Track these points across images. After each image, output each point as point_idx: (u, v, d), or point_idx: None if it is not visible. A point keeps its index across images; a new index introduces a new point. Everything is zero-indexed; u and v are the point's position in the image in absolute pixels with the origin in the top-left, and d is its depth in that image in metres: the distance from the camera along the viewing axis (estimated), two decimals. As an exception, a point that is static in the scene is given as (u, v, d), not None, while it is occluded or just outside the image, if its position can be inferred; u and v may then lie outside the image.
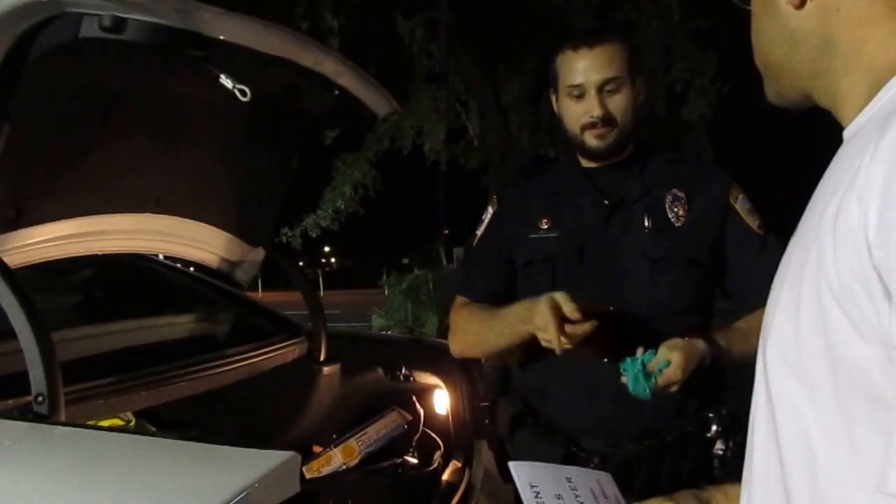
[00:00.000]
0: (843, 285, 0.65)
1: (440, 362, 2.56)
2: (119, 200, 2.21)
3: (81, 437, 1.54)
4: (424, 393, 2.55)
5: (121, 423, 2.06)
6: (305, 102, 2.23)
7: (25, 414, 1.56)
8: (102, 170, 2.11)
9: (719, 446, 1.77)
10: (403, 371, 2.65)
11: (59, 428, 1.52)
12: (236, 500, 1.22)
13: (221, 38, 1.71)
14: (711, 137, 10.20)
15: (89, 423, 1.81)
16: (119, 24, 1.55)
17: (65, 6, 1.56)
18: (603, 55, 1.79)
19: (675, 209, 1.84)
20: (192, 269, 2.98)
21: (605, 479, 1.46)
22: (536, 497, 1.36)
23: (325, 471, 2.06)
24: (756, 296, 1.76)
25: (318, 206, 11.50)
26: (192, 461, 1.43)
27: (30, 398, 1.54)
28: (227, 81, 1.79)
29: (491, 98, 9.65)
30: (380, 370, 2.68)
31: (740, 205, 1.84)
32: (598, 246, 1.84)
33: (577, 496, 1.37)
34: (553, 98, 1.93)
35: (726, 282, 1.88)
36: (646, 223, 1.82)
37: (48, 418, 1.52)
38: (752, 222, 1.84)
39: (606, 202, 1.86)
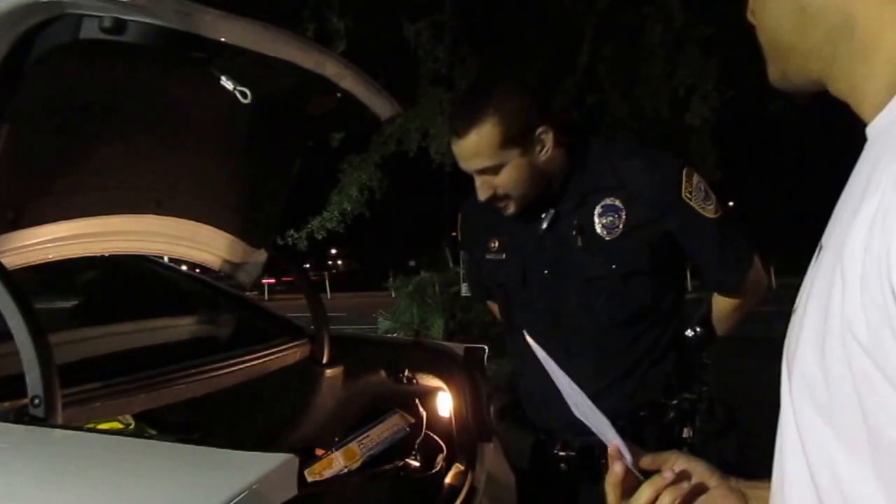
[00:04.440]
0: (872, 328, 0.56)
1: (443, 365, 2.55)
2: (119, 202, 2.21)
3: (78, 440, 1.54)
4: (427, 395, 2.54)
5: (120, 426, 2.05)
6: (307, 104, 2.22)
7: (22, 417, 1.55)
8: (103, 171, 2.11)
9: (686, 433, 1.79)
10: (406, 373, 2.64)
11: (57, 431, 1.52)
12: (233, 502, 1.21)
13: (222, 39, 1.70)
14: (715, 141, 10.24)
15: (87, 426, 1.81)
16: (119, 26, 1.55)
17: (65, 7, 1.55)
18: (469, 146, 1.75)
19: (607, 220, 1.80)
20: (197, 270, 2.98)
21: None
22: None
23: (327, 474, 2.06)
24: (715, 278, 1.91)
25: (325, 208, 11.51)
26: (188, 464, 1.42)
27: (26, 401, 1.54)
28: (228, 83, 1.79)
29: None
30: (382, 373, 2.68)
31: (694, 198, 1.80)
32: (538, 267, 1.89)
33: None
34: None
35: (698, 268, 1.92)
36: (578, 242, 1.82)
37: (45, 421, 1.51)
38: (707, 210, 1.82)
39: (543, 216, 1.86)
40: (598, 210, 1.81)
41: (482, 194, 1.80)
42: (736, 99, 9.50)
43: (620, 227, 1.79)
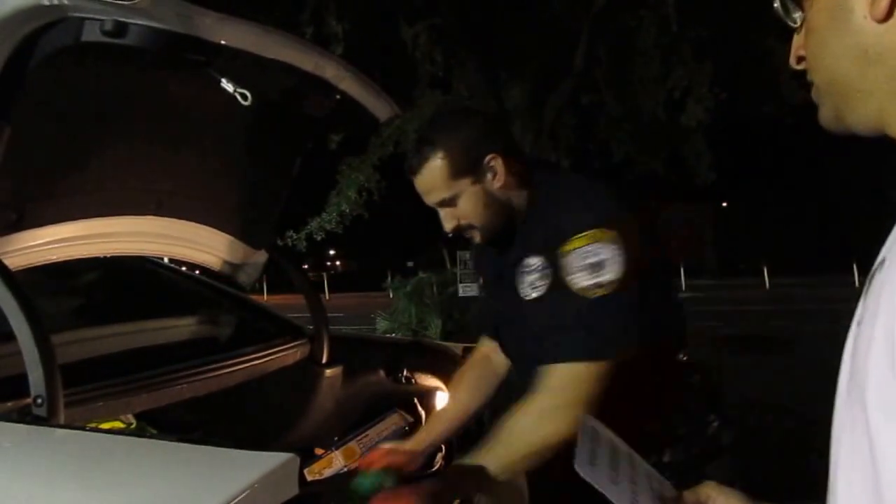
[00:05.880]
0: None
1: (441, 364, 2.56)
2: (120, 203, 2.22)
3: (80, 439, 1.55)
4: (426, 395, 2.54)
5: (122, 425, 2.06)
6: (306, 106, 2.24)
7: (24, 416, 1.57)
8: (104, 173, 2.12)
9: (667, 457, 1.79)
10: (405, 373, 2.66)
11: (59, 430, 1.53)
12: (234, 501, 1.22)
13: (222, 42, 1.71)
14: (709, 142, 10.32)
15: (89, 425, 1.81)
16: (121, 29, 1.56)
17: (67, 11, 1.56)
18: (423, 182, 1.80)
19: (527, 279, 1.76)
20: (197, 272, 2.99)
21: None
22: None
23: (327, 473, 2.06)
24: (543, 353, 1.66)
25: (323, 209, 11.54)
26: (190, 463, 1.43)
27: (29, 400, 1.55)
28: (228, 85, 1.80)
29: (493, 103, 9.67)
30: (381, 372, 2.69)
31: (571, 259, 1.62)
32: (509, 307, 1.87)
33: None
34: None
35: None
36: (513, 297, 1.81)
37: (47, 421, 1.53)
38: (579, 282, 1.62)
39: (502, 259, 1.88)
40: (520, 269, 1.77)
41: (447, 226, 1.84)
42: (731, 101, 9.55)
43: (544, 285, 1.72)
